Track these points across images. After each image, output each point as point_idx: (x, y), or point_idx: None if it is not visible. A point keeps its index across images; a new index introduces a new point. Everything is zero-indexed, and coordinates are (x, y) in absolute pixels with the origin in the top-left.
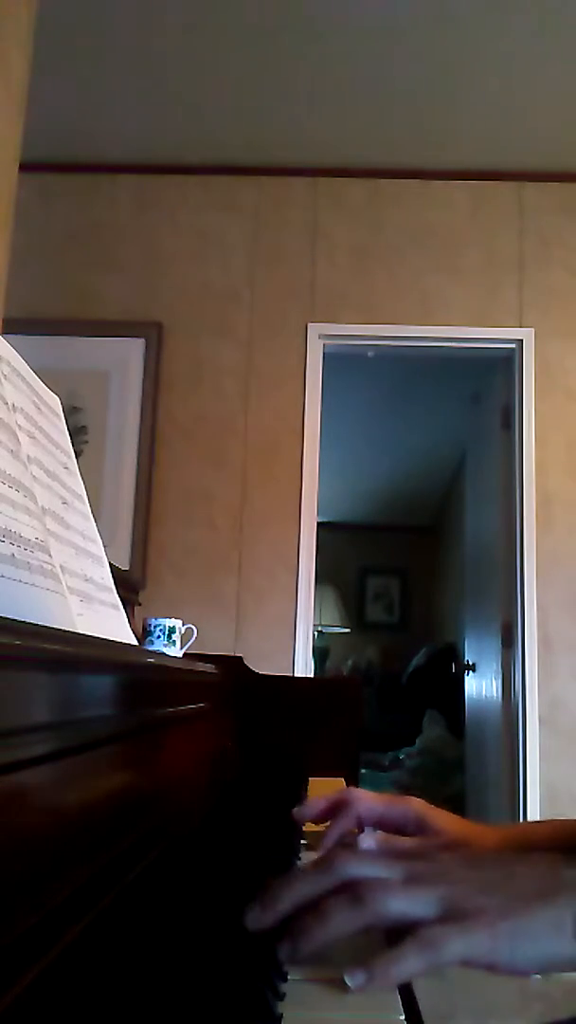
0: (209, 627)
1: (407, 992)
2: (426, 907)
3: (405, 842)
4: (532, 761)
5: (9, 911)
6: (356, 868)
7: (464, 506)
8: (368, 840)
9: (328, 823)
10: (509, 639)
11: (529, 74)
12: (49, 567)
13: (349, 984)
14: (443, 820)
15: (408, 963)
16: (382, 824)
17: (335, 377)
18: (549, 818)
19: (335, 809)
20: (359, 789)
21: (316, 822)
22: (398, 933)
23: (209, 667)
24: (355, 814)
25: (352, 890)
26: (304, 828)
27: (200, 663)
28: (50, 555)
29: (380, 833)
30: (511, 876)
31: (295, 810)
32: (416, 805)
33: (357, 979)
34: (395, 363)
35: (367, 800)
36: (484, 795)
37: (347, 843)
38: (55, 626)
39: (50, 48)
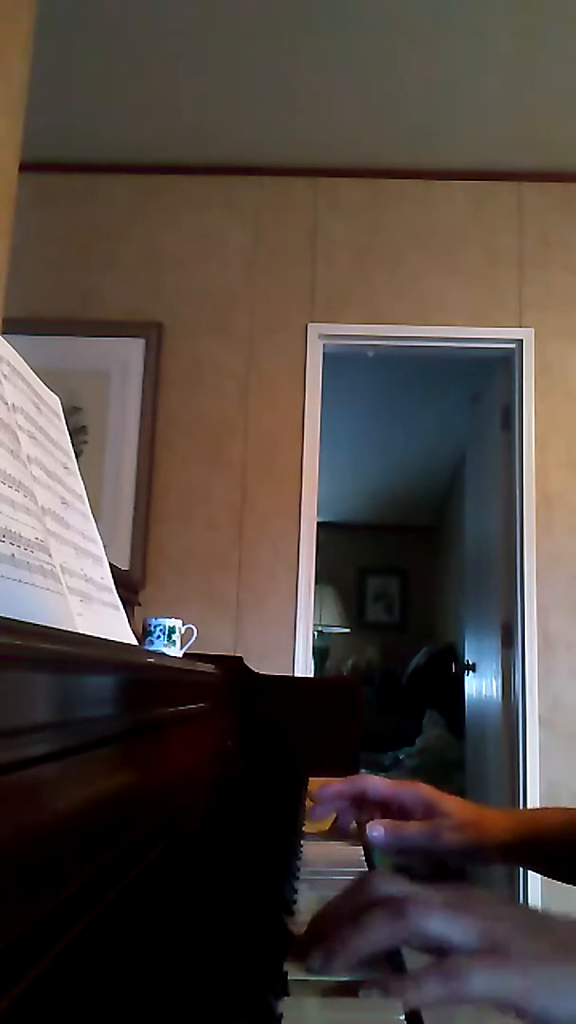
0: (209, 627)
1: None
2: (465, 935)
3: (412, 826)
4: (532, 761)
5: (11, 910)
6: (393, 887)
7: (464, 506)
8: (376, 828)
9: (330, 831)
10: (509, 639)
11: (529, 74)
12: (49, 567)
13: (365, 999)
14: (451, 804)
15: (429, 990)
16: (389, 804)
17: (335, 377)
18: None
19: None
20: (369, 775)
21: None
22: (398, 955)
23: (209, 667)
24: (360, 787)
25: (391, 904)
26: (303, 829)
27: (200, 663)
28: (50, 555)
29: (388, 820)
30: (553, 926)
31: (310, 791)
32: (424, 790)
33: (372, 996)
34: (395, 363)
35: (376, 780)
36: (484, 795)
37: (356, 823)
38: (55, 626)
39: (50, 48)
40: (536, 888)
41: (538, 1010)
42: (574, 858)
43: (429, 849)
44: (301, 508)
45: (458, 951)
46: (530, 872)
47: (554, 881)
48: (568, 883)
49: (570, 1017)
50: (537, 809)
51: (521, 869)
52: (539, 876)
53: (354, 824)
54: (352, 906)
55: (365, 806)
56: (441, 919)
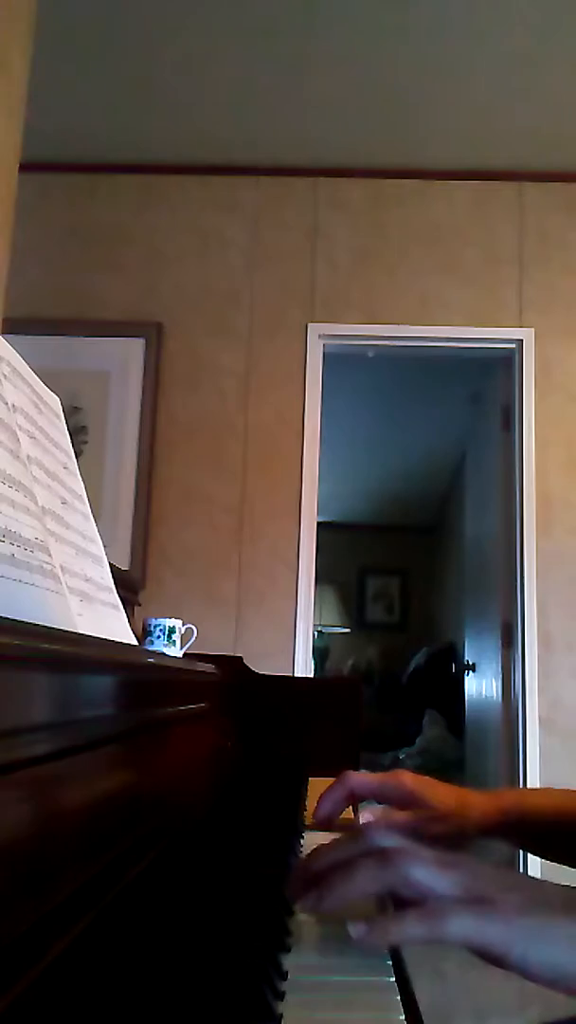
0: (209, 627)
1: (407, 992)
2: (449, 885)
3: (402, 816)
4: (532, 761)
5: (11, 910)
6: (388, 839)
7: (464, 506)
8: (367, 814)
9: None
10: (509, 639)
11: (529, 74)
12: (49, 567)
13: (351, 933)
14: (433, 792)
15: (409, 927)
16: (377, 799)
17: (335, 377)
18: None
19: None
20: (353, 771)
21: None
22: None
23: (209, 667)
24: (348, 786)
25: (381, 853)
26: (304, 828)
27: (200, 663)
28: (50, 555)
29: (379, 807)
30: (538, 884)
31: (313, 818)
32: (408, 780)
33: (358, 930)
34: (395, 363)
35: (361, 778)
36: None
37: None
38: (55, 626)
39: (50, 48)
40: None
41: (517, 958)
42: (558, 838)
43: (416, 839)
44: (301, 508)
45: (441, 899)
46: (530, 869)
47: (556, 867)
48: (550, 860)
49: (548, 966)
50: (523, 791)
51: (521, 865)
52: (538, 871)
53: (349, 810)
54: (345, 854)
55: (355, 803)
56: (428, 870)
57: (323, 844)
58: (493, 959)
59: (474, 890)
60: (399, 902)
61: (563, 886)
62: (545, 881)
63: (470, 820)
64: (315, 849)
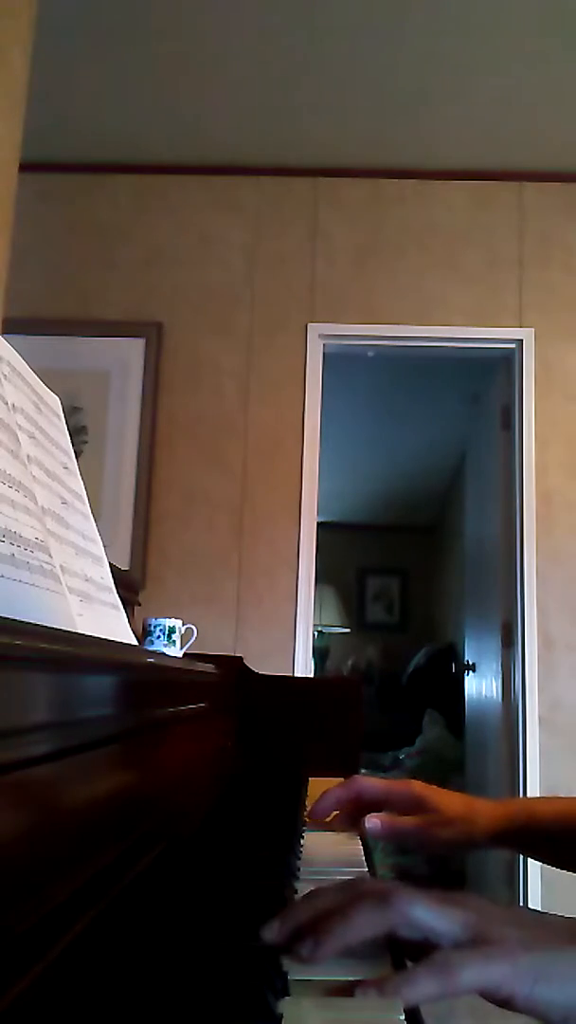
0: (209, 627)
1: None
2: (450, 924)
3: (406, 821)
4: (532, 761)
5: (10, 910)
6: (379, 887)
7: (464, 506)
8: (372, 820)
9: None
10: (509, 639)
11: (529, 74)
12: (49, 567)
13: (357, 995)
14: (441, 799)
15: (421, 987)
16: (383, 804)
17: (335, 377)
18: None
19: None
20: (362, 776)
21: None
22: (401, 945)
23: (209, 667)
24: (356, 788)
25: (378, 895)
26: (305, 828)
27: (200, 663)
28: (50, 555)
29: (383, 814)
30: (542, 918)
31: (309, 810)
32: (416, 787)
33: (368, 996)
34: (395, 363)
35: (369, 782)
36: (484, 795)
37: (351, 819)
38: (55, 626)
39: (50, 48)
40: (536, 881)
41: (526, 996)
42: (564, 844)
43: (422, 843)
44: (301, 508)
45: (444, 939)
46: (529, 872)
47: (554, 871)
48: (557, 867)
49: (554, 1002)
50: (530, 799)
51: (521, 868)
52: (538, 873)
53: (335, 813)
54: (338, 898)
55: (362, 807)
56: (426, 908)
57: (307, 893)
58: (500, 1001)
59: (477, 927)
60: (397, 946)
61: (568, 919)
62: (549, 914)
63: (477, 826)
64: (305, 895)
